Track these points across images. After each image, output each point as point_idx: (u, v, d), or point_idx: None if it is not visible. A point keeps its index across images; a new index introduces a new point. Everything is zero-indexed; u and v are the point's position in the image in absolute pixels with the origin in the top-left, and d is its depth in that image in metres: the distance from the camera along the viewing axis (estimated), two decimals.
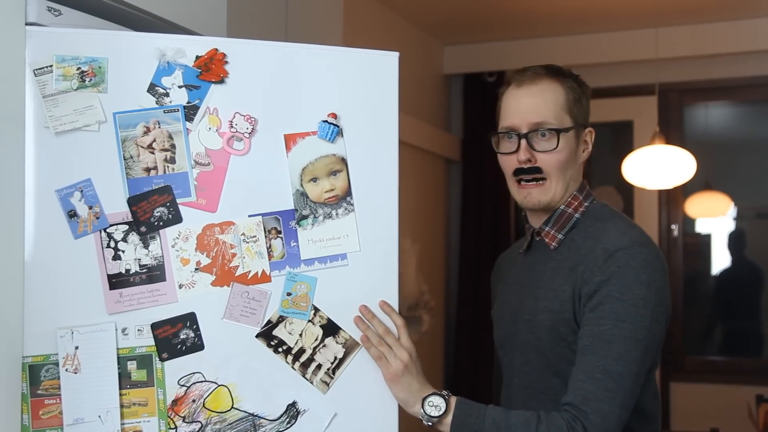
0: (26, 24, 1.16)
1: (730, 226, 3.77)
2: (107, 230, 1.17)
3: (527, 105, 1.27)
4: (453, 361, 3.78)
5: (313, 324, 1.22)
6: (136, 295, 1.18)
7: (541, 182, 1.28)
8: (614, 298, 1.17)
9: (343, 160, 1.24)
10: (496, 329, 1.41)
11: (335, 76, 1.25)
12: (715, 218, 3.76)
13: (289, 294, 1.21)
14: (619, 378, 1.15)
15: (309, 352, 1.22)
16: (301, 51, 1.25)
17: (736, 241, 3.75)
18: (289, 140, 1.22)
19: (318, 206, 1.23)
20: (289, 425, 1.20)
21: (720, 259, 3.82)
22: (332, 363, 1.23)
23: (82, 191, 1.17)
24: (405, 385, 1.21)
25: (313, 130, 1.23)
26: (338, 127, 1.22)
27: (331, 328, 1.23)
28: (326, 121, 1.22)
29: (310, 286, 1.22)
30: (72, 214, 1.16)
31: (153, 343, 1.18)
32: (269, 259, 1.20)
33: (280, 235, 1.21)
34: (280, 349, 1.21)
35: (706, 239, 3.83)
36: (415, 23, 3.50)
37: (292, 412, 1.21)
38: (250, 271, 1.20)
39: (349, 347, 1.23)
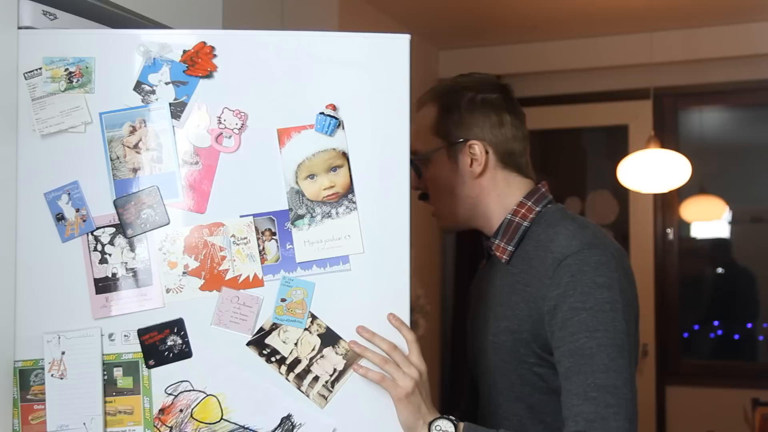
0: (20, 28, 1.14)
1: (724, 230, 3.78)
2: (94, 233, 1.15)
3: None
4: (449, 366, 3.75)
5: (310, 333, 1.15)
6: (122, 300, 1.14)
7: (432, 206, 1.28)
8: (578, 309, 1.08)
9: (344, 155, 1.15)
10: (468, 345, 1.33)
11: (336, 63, 1.16)
12: (710, 222, 3.76)
13: (283, 300, 1.15)
14: (615, 390, 1.05)
15: (305, 362, 1.14)
16: (295, 38, 1.17)
17: (721, 250, 3.76)
18: (283, 135, 1.16)
19: (315, 205, 1.15)
20: None
21: (715, 263, 3.82)
22: (331, 375, 1.14)
23: (69, 194, 1.14)
24: (414, 406, 1.11)
25: (309, 123, 1.16)
26: (337, 119, 1.14)
27: (330, 338, 1.15)
28: (324, 113, 1.14)
29: (306, 292, 1.15)
30: (60, 218, 1.14)
31: (140, 349, 1.14)
32: (262, 263, 1.15)
33: (274, 237, 1.15)
34: (272, 359, 1.14)
35: (701, 243, 3.82)
36: (411, 28, 3.48)
37: (287, 425, 1.15)
38: (240, 275, 1.15)
39: (351, 359, 1.14)
